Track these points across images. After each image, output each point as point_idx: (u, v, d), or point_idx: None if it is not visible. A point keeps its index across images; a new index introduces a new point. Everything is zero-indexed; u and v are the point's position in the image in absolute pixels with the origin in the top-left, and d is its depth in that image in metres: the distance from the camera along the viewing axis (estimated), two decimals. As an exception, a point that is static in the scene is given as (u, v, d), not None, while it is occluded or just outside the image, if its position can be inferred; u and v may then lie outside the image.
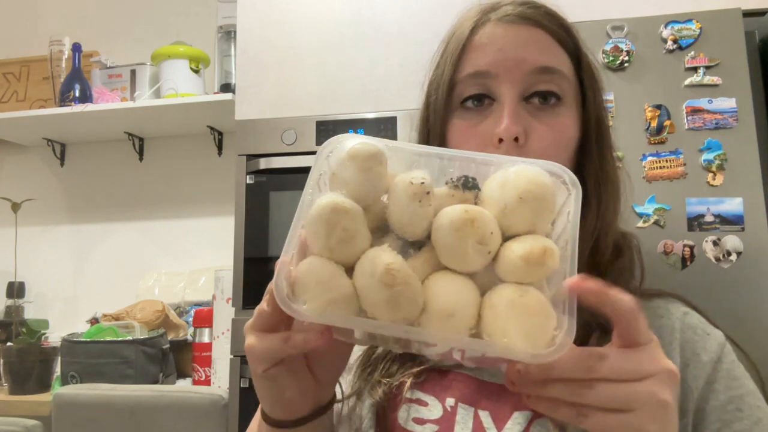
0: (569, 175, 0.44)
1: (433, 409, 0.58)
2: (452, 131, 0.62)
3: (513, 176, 0.42)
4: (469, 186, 0.44)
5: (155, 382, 1.81)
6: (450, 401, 0.58)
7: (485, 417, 0.57)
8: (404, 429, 0.57)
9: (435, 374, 0.60)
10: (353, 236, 0.41)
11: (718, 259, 1.34)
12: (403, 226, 0.43)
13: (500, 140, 0.58)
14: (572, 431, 0.53)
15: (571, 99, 0.62)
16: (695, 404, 0.58)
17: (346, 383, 0.62)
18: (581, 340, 0.58)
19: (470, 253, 0.40)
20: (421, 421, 0.57)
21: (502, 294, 0.40)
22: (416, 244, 0.43)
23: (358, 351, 0.64)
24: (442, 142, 0.63)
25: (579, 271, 0.57)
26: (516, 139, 0.58)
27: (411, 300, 0.40)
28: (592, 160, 0.62)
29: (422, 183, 0.41)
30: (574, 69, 0.62)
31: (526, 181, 0.42)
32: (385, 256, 0.40)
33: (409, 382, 0.58)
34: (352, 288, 0.41)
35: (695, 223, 1.35)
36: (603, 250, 0.62)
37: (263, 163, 1.68)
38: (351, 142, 0.46)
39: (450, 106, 0.62)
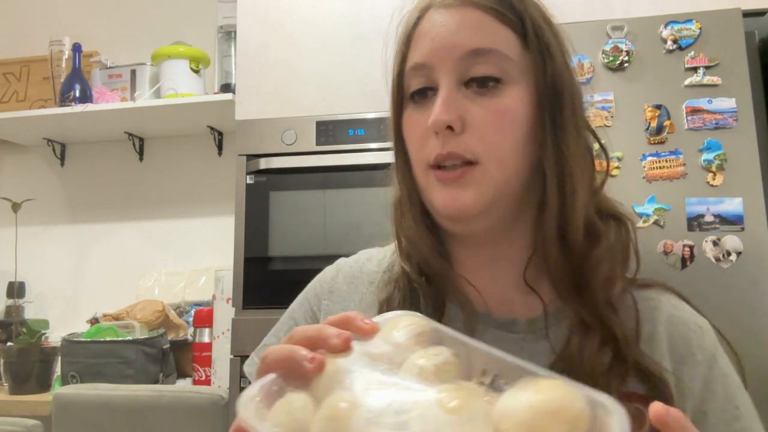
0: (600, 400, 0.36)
1: None
2: (404, 123, 0.62)
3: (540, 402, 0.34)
4: (496, 388, 0.38)
5: (155, 382, 1.81)
6: None
7: None
8: None
9: None
10: None
11: (717, 259, 1.34)
12: None
13: (437, 132, 0.57)
14: None
15: (517, 77, 0.58)
16: (695, 405, 0.58)
17: None
18: (565, 339, 0.58)
19: None
20: None
21: None
22: None
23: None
24: (399, 133, 0.63)
25: (553, 265, 0.58)
26: (450, 128, 0.56)
27: None
28: (546, 139, 0.58)
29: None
30: (521, 44, 0.58)
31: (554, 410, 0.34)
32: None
33: None
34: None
35: (695, 223, 1.35)
36: (573, 239, 0.58)
37: (263, 163, 1.68)
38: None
39: (402, 98, 0.62)
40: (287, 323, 0.70)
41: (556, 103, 0.59)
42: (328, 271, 0.72)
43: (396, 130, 0.64)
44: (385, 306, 0.62)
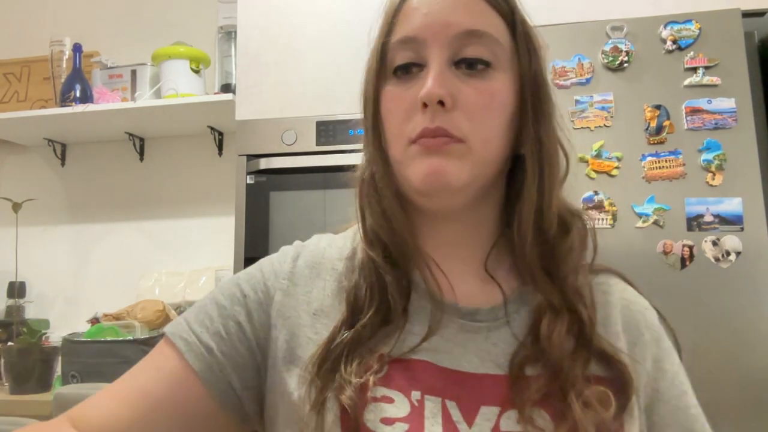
0: None
1: (400, 405, 0.55)
2: (384, 98, 0.61)
3: None
4: None
5: (156, 381, 1.80)
6: (416, 394, 0.56)
7: (453, 409, 0.56)
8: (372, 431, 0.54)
9: (396, 365, 0.57)
10: None
11: (717, 259, 1.34)
12: None
13: (425, 105, 0.57)
14: (541, 424, 0.54)
15: (505, 63, 0.59)
16: (648, 383, 0.61)
17: (294, 377, 0.58)
18: (533, 322, 0.60)
19: None
20: (389, 421, 0.54)
21: None
22: None
23: (307, 343, 0.60)
24: (376, 108, 0.62)
25: (527, 251, 0.60)
26: (441, 103, 0.56)
27: None
28: (528, 129, 0.60)
29: None
30: (509, 33, 0.60)
31: None
32: None
33: (372, 379, 0.55)
34: None
35: (694, 223, 1.36)
36: (548, 227, 0.60)
37: (263, 163, 1.68)
38: None
39: (383, 73, 0.61)
40: (228, 288, 0.64)
41: (537, 95, 0.61)
42: (289, 252, 0.68)
43: (373, 105, 0.62)
44: (353, 294, 0.60)
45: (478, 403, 0.56)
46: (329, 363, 0.57)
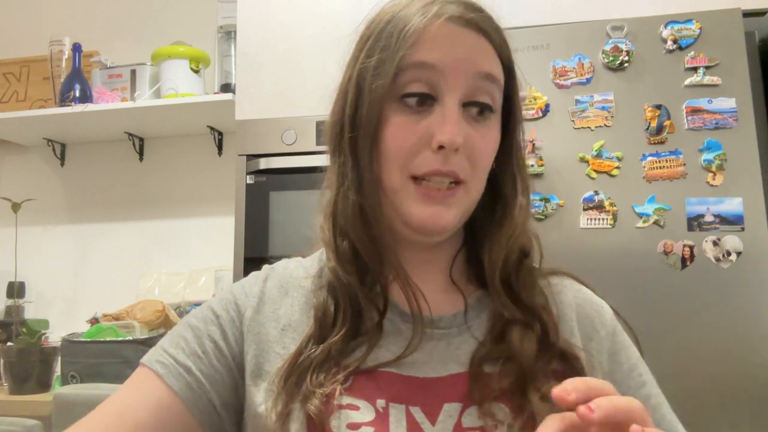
0: None
1: (366, 411, 0.57)
2: (391, 124, 0.59)
3: None
4: None
5: (155, 382, 1.80)
6: (381, 402, 0.58)
7: (417, 413, 0.57)
8: None
9: (361, 377, 0.59)
10: None
11: (718, 259, 1.34)
12: None
13: (440, 146, 0.57)
14: (501, 417, 0.56)
15: (498, 110, 0.63)
16: (605, 376, 0.63)
17: (261, 391, 0.60)
18: (492, 324, 0.63)
19: None
20: (355, 426, 0.56)
21: None
22: None
23: (275, 358, 0.62)
24: (375, 133, 0.59)
25: (496, 277, 0.62)
26: (455, 149, 0.58)
27: None
28: (511, 167, 0.65)
29: None
30: (504, 80, 0.63)
31: None
32: None
33: (338, 389, 0.57)
34: None
35: (695, 223, 1.35)
36: (510, 256, 0.63)
37: (263, 163, 1.68)
38: None
39: (388, 96, 0.59)
40: (201, 312, 0.66)
41: (515, 134, 0.65)
42: (259, 274, 0.70)
43: (374, 129, 0.60)
44: (321, 311, 0.62)
45: (441, 401, 0.58)
46: (295, 376, 0.58)
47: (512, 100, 0.64)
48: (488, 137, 0.61)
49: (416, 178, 0.59)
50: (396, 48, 0.59)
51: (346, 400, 0.57)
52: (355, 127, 0.61)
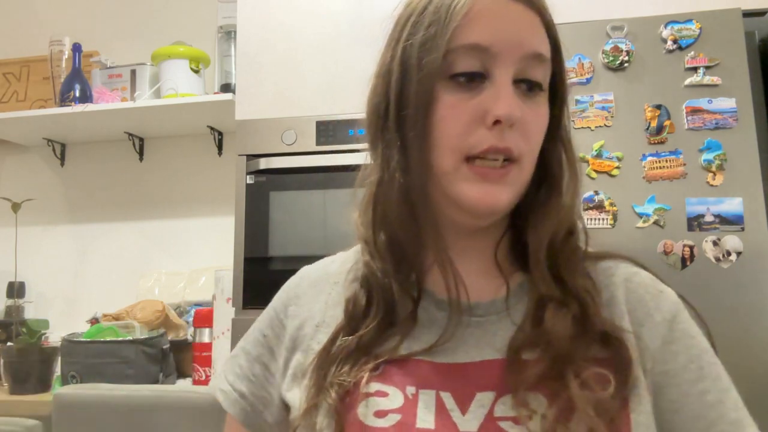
0: None
1: (394, 398, 0.56)
2: (441, 104, 0.57)
3: None
4: None
5: (155, 382, 1.80)
6: (410, 389, 0.57)
7: (447, 398, 0.56)
8: (365, 425, 0.56)
9: (392, 365, 0.58)
10: None
11: (717, 259, 1.34)
12: None
13: (496, 122, 0.55)
14: (535, 407, 0.53)
15: (547, 87, 0.61)
16: (656, 365, 0.59)
17: (303, 389, 0.61)
18: (536, 313, 0.59)
19: None
20: (382, 413, 0.56)
21: None
22: None
23: (312, 355, 0.63)
24: (426, 110, 0.58)
25: (541, 257, 0.60)
26: (510, 124, 0.56)
27: None
28: (561, 147, 0.63)
29: None
30: (551, 57, 0.61)
31: None
32: None
33: (366, 376, 0.57)
34: None
35: (695, 223, 1.35)
36: (558, 234, 0.61)
37: (263, 163, 1.68)
38: None
39: (437, 74, 0.57)
40: (252, 334, 0.71)
41: (563, 110, 0.63)
42: (293, 280, 0.72)
43: (425, 110, 0.57)
44: (351, 303, 0.62)
45: (473, 389, 0.57)
46: (324, 368, 0.59)
47: (559, 77, 0.62)
48: (539, 114, 0.59)
49: (469, 159, 0.57)
50: (446, 22, 0.56)
51: (375, 387, 0.57)
52: (402, 107, 0.59)
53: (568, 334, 0.56)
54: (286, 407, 0.65)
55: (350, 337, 0.59)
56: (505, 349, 0.57)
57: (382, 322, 0.60)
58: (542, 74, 0.59)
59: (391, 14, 0.64)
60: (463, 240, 0.63)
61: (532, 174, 0.60)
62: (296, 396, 0.62)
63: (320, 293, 0.67)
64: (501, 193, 0.57)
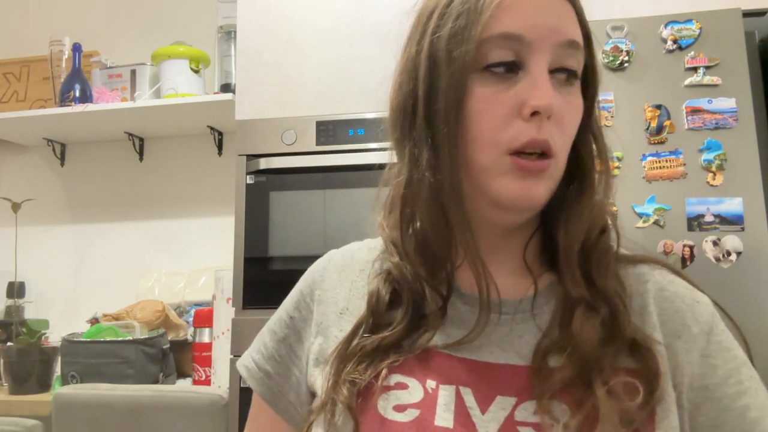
0: None
1: (414, 392, 0.56)
2: (475, 98, 0.55)
3: None
4: None
5: (155, 382, 1.81)
6: (431, 383, 0.56)
7: (467, 395, 0.55)
8: (384, 418, 0.55)
9: (413, 357, 0.58)
10: None
11: (717, 259, 1.34)
12: None
13: (534, 113, 0.53)
14: (558, 415, 0.52)
15: (579, 78, 0.59)
16: (693, 379, 0.56)
17: (324, 376, 0.60)
18: (564, 315, 0.57)
19: None
20: (401, 408, 0.55)
21: None
22: None
23: (334, 342, 0.62)
24: (459, 105, 0.55)
25: (573, 256, 0.58)
26: (549, 116, 0.54)
27: None
28: (588, 135, 0.61)
29: None
30: (584, 44, 0.59)
31: None
32: None
33: (385, 370, 0.56)
34: None
35: (695, 223, 1.35)
36: (591, 232, 0.59)
37: (263, 163, 1.68)
38: None
39: (470, 66, 0.55)
40: (278, 314, 0.71)
41: (594, 101, 0.61)
42: (320, 262, 0.71)
43: (456, 104, 0.55)
44: (375, 297, 0.61)
45: (494, 392, 0.55)
46: (344, 361, 0.59)
47: (591, 68, 0.60)
48: (575, 104, 0.57)
49: (512, 153, 0.54)
50: (477, 13, 0.54)
51: (396, 378, 0.57)
52: (432, 102, 0.56)
53: (596, 339, 0.54)
54: (310, 390, 0.65)
55: (373, 336, 0.58)
56: (530, 355, 0.56)
57: (410, 323, 0.59)
58: (577, 63, 0.57)
59: (412, 9, 0.62)
60: (494, 239, 0.61)
61: (565, 165, 0.58)
62: (319, 383, 0.62)
63: (345, 280, 0.67)
64: (540, 188, 0.55)
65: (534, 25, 0.54)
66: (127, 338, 1.81)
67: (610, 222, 0.61)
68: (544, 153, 0.54)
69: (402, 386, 0.56)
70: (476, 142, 0.55)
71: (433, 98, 0.56)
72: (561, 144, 0.56)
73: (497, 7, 0.54)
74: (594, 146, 0.61)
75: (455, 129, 0.55)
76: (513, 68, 0.55)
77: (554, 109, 0.53)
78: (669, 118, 1.40)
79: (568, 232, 0.58)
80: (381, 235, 0.65)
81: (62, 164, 2.57)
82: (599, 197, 0.59)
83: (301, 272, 0.74)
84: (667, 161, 1.39)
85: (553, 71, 0.55)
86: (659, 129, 1.40)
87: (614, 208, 0.64)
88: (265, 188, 1.69)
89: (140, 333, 1.89)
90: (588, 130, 0.61)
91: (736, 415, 0.55)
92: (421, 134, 0.57)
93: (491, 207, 0.57)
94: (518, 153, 0.54)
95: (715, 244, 1.34)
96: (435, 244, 0.59)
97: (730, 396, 0.56)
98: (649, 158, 1.40)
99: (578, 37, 0.56)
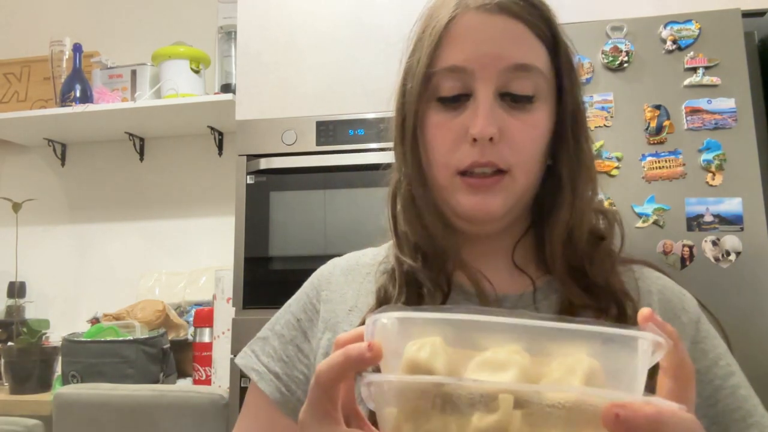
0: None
1: None
2: (429, 124, 0.61)
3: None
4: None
5: (155, 381, 1.81)
6: None
7: None
8: None
9: None
10: None
11: (717, 259, 1.34)
12: None
13: (474, 139, 0.58)
14: None
15: (546, 93, 0.61)
16: None
17: None
18: (562, 308, 0.61)
19: None
20: None
21: None
22: None
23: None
24: (415, 134, 0.62)
25: (558, 264, 0.61)
26: (490, 139, 0.58)
27: None
28: (567, 149, 0.62)
29: None
30: (550, 61, 0.61)
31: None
32: None
33: None
34: None
35: (694, 223, 1.36)
36: (577, 241, 0.62)
37: (263, 163, 1.68)
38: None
39: (425, 98, 0.61)
40: (283, 317, 0.72)
41: (575, 118, 0.63)
42: (325, 267, 0.74)
43: (413, 129, 0.62)
44: (382, 292, 0.64)
45: None
46: None
47: (566, 76, 0.62)
48: (530, 123, 0.60)
49: (461, 173, 0.60)
50: (428, 47, 0.60)
51: None
52: (402, 123, 0.64)
53: None
54: None
55: None
56: None
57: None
58: (531, 84, 0.59)
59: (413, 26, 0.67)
60: (483, 242, 0.66)
61: (535, 179, 0.62)
62: None
63: (352, 281, 0.70)
64: (494, 201, 0.60)
65: (478, 55, 0.58)
66: (128, 338, 1.82)
67: (617, 228, 0.65)
68: (499, 169, 0.59)
69: None
70: (432, 163, 0.62)
71: (402, 120, 0.64)
72: (516, 160, 0.59)
73: (446, 38, 0.60)
74: (569, 152, 0.63)
75: (416, 150, 0.63)
76: (460, 98, 0.60)
77: (491, 135, 0.57)
78: (668, 119, 1.40)
79: (551, 239, 0.62)
80: (388, 226, 0.68)
81: (63, 164, 2.58)
82: (577, 206, 0.62)
83: (301, 272, 0.74)
84: (666, 161, 1.39)
85: (504, 94, 0.59)
86: (659, 129, 1.40)
87: (617, 215, 0.67)
88: (265, 188, 1.69)
89: (141, 333, 1.89)
90: (564, 143, 0.62)
91: (728, 392, 0.61)
92: (399, 150, 0.65)
93: (458, 219, 0.63)
94: (467, 173, 0.60)
95: (714, 244, 1.34)
96: (423, 247, 0.64)
97: (721, 377, 0.62)
98: (649, 158, 1.40)
99: (528, 59, 0.59)
